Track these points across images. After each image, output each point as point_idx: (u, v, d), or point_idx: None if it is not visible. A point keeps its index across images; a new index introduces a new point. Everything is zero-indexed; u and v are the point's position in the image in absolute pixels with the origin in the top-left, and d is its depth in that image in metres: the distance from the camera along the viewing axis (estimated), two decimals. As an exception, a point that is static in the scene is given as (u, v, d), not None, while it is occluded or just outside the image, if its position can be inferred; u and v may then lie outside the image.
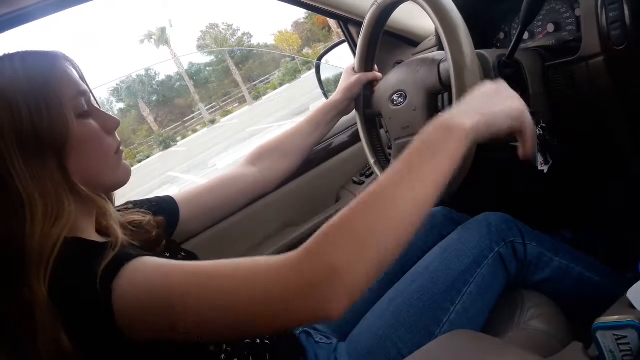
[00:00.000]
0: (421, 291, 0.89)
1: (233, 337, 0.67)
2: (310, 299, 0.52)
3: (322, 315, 0.52)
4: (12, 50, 0.66)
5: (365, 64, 1.17)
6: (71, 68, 0.69)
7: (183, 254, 0.86)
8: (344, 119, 1.53)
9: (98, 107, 0.72)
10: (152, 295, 0.56)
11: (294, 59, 36.90)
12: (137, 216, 0.81)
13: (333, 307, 0.51)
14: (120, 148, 0.74)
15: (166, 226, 0.86)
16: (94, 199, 0.67)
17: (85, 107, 0.68)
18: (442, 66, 0.91)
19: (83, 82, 0.70)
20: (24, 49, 0.66)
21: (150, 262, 0.59)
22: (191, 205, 0.96)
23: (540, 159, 0.95)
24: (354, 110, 1.23)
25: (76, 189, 0.65)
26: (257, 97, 37.75)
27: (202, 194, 0.99)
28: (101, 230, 0.72)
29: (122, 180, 0.74)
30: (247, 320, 0.55)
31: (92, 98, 0.71)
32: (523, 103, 0.69)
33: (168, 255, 0.82)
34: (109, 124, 0.71)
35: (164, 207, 0.90)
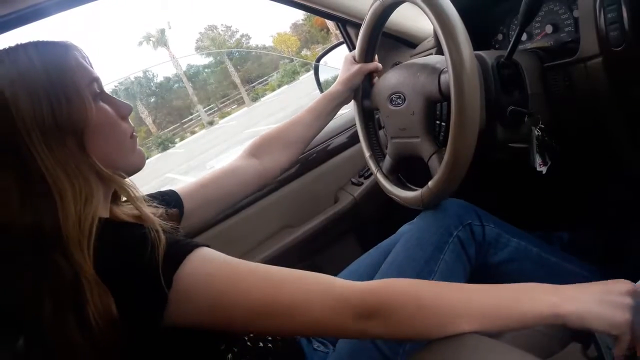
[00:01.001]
0: None
1: (273, 334, 0.75)
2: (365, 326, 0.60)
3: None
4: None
5: (366, 54, 1.17)
6: (80, 57, 0.70)
7: None
8: (342, 119, 1.54)
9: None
10: (214, 291, 0.60)
11: (292, 60, 36.93)
12: (150, 209, 0.82)
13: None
14: (135, 133, 0.76)
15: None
16: (116, 180, 0.69)
17: (100, 93, 0.70)
18: (442, 77, 0.91)
19: (94, 70, 0.71)
20: (35, 39, 0.67)
21: (215, 256, 0.64)
22: (194, 198, 0.96)
23: (538, 159, 0.95)
24: (353, 102, 1.23)
25: (98, 170, 0.66)
26: (255, 99, 37.69)
27: (205, 187, 0.99)
28: (114, 219, 0.73)
29: (138, 164, 0.76)
30: (290, 325, 0.62)
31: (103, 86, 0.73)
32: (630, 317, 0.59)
33: None
34: (122, 110, 0.73)
35: (168, 201, 0.90)
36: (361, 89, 1.19)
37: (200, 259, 0.61)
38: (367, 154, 1.19)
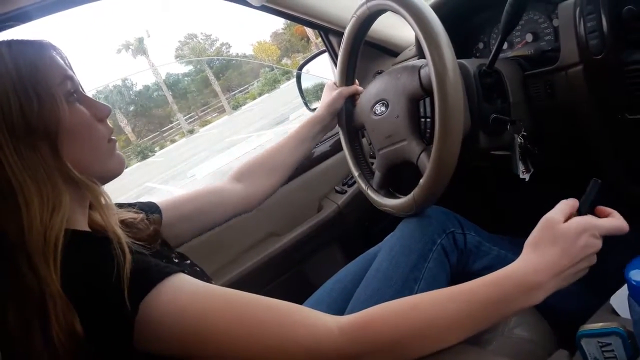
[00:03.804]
0: (377, 295, 0.90)
1: None
2: None
3: None
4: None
5: (346, 77, 1.18)
6: (58, 56, 0.67)
7: (175, 254, 0.85)
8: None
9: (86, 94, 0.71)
10: (185, 328, 0.57)
11: (272, 69, 36.93)
12: (130, 214, 0.80)
13: None
14: (113, 137, 0.72)
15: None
16: (90, 187, 0.66)
17: (75, 93, 0.67)
18: (422, 71, 0.92)
19: (70, 70, 0.69)
20: (9, 38, 0.64)
21: (188, 286, 0.60)
22: (173, 212, 0.94)
23: (521, 167, 0.96)
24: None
25: (71, 176, 0.63)
26: (236, 107, 37.57)
27: (186, 202, 0.98)
28: (95, 226, 0.70)
29: (116, 169, 0.72)
30: None
31: (80, 87, 0.70)
32: (596, 245, 0.64)
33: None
34: (100, 112, 0.70)
35: (146, 211, 0.87)
36: (344, 111, 1.20)
37: (171, 291, 0.57)
38: (355, 173, 1.19)
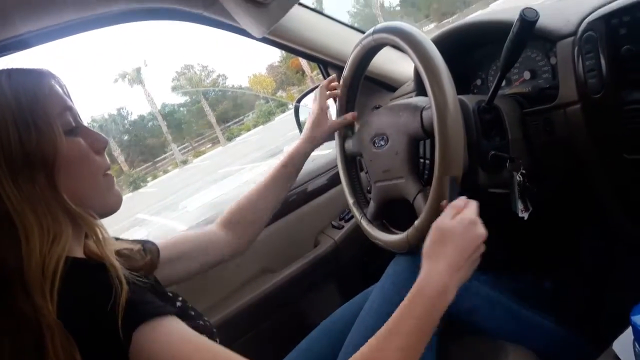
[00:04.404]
0: (372, 333, 0.89)
1: None
2: None
3: None
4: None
5: (347, 104, 1.17)
6: (57, 85, 0.67)
7: (170, 294, 0.82)
8: (323, 160, 1.52)
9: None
10: None
11: (268, 101, 37.32)
12: (127, 244, 0.79)
13: None
14: (109, 172, 0.71)
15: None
16: (86, 220, 0.64)
17: (73, 123, 0.66)
18: (425, 114, 0.91)
19: (69, 99, 0.68)
20: (8, 67, 0.64)
21: (175, 331, 0.59)
22: (170, 250, 0.92)
23: (520, 205, 0.95)
24: (334, 151, 1.21)
25: (68, 208, 0.62)
26: (230, 138, 37.78)
27: (180, 242, 0.96)
28: (91, 254, 0.69)
29: (112, 205, 0.71)
30: None
31: (78, 117, 0.69)
32: (482, 234, 0.73)
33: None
34: (98, 143, 0.69)
35: (143, 243, 0.86)
36: (343, 136, 1.18)
37: (164, 331, 0.58)
38: (350, 200, 1.17)
